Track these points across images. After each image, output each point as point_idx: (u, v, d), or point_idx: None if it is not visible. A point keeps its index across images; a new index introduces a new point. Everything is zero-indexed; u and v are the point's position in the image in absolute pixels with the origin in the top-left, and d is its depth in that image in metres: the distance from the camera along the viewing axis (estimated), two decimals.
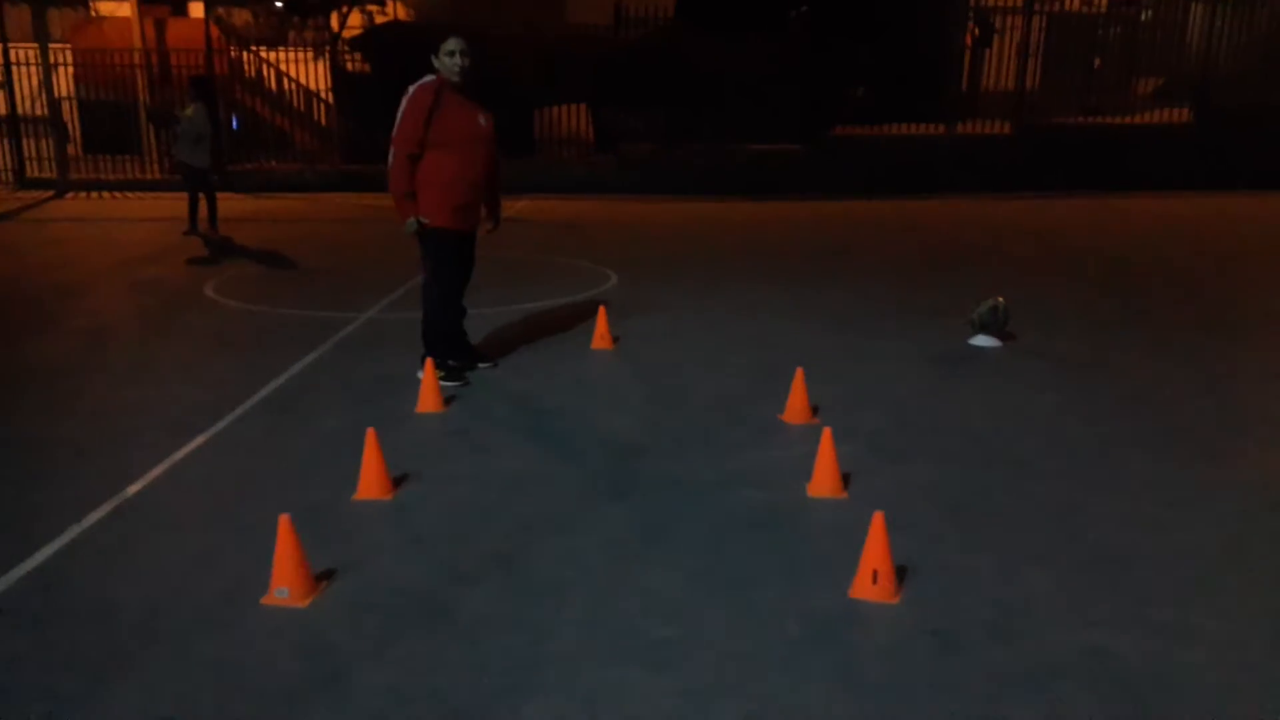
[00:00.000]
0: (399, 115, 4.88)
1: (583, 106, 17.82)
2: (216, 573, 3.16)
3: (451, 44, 4.92)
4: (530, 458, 4.22)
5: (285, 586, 2.95)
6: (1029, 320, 6.66)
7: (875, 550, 2.98)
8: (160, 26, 20.62)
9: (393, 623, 2.85)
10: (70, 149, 18.29)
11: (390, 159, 4.92)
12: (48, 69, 16.91)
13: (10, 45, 17.17)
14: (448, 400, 4.96)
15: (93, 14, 22.76)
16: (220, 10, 20.72)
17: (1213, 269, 9.36)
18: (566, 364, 5.75)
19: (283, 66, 19.16)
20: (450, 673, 2.60)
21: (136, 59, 18.97)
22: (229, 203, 12.90)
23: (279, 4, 20.44)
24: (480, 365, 5.49)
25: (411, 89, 4.91)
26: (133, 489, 3.83)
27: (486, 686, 2.54)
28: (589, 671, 2.61)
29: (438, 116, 4.84)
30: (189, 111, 11.21)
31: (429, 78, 4.90)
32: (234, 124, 18.86)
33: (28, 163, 17.77)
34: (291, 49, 19.09)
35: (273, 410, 4.87)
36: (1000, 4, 17.27)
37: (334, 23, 20.08)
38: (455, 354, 5.33)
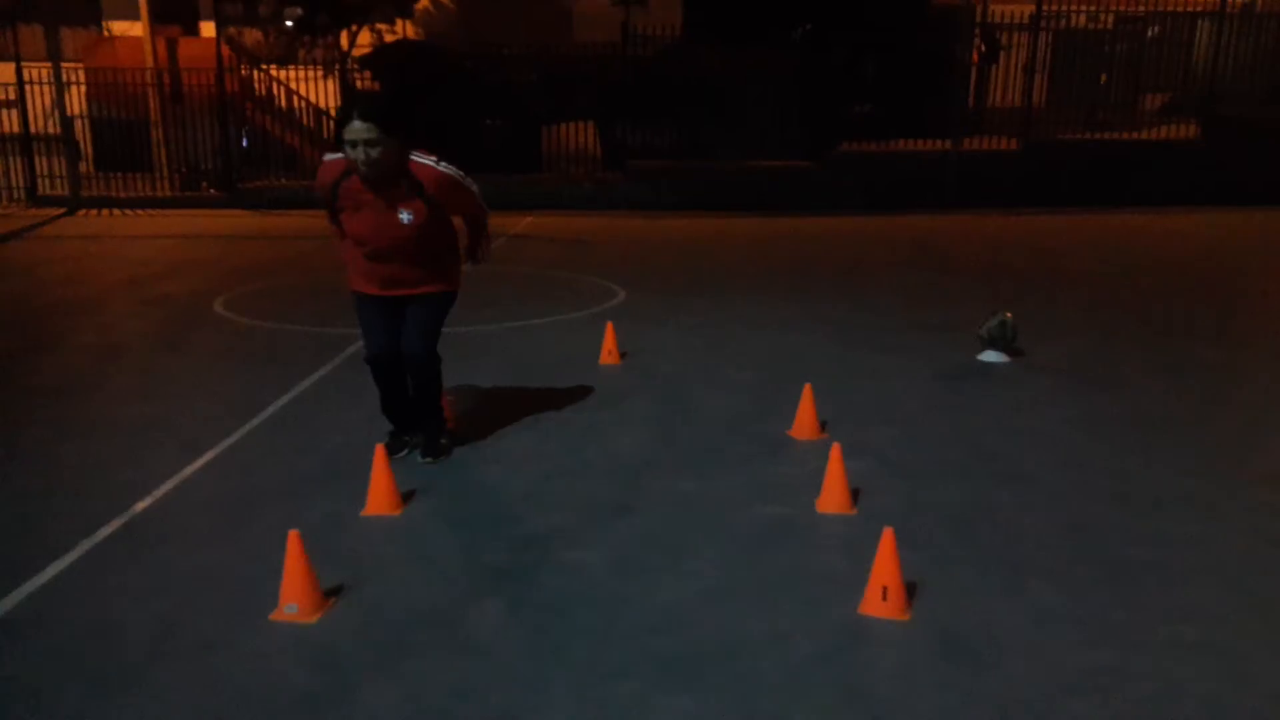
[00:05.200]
0: None
1: (590, 124, 17.89)
2: (225, 589, 3.17)
3: (351, 129, 3.73)
4: (538, 473, 4.22)
5: (294, 602, 2.95)
6: (1037, 335, 6.65)
7: (885, 566, 2.97)
8: (172, 46, 20.79)
9: (401, 639, 2.85)
10: (82, 167, 18.43)
11: None
12: (60, 87, 17.08)
13: (24, 64, 17.34)
14: (457, 416, 4.96)
15: (105, 33, 22.97)
16: (232, 29, 20.92)
17: (1221, 284, 9.33)
18: (575, 379, 5.75)
19: (293, 85, 19.31)
20: (459, 688, 2.60)
21: (148, 78, 19.15)
22: (239, 219, 12.97)
23: (289, 23, 20.60)
24: (402, 447, 4.41)
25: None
26: (141, 505, 3.84)
27: (494, 703, 2.54)
28: (597, 687, 2.60)
29: (342, 202, 3.98)
30: None
31: (334, 156, 3.94)
32: (244, 142, 18.99)
33: (40, 180, 17.90)
34: (301, 67, 19.23)
35: (281, 426, 4.88)
36: (1007, 20, 17.32)
37: (344, 41, 20.23)
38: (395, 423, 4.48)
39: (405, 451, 4.34)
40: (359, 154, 3.74)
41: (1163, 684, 2.62)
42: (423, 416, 4.38)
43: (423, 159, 3.94)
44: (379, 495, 3.77)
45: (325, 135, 19.68)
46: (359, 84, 18.52)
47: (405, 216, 3.95)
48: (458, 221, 4.30)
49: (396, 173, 3.86)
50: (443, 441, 4.40)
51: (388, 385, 4.31)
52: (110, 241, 13.03)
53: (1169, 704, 2.53)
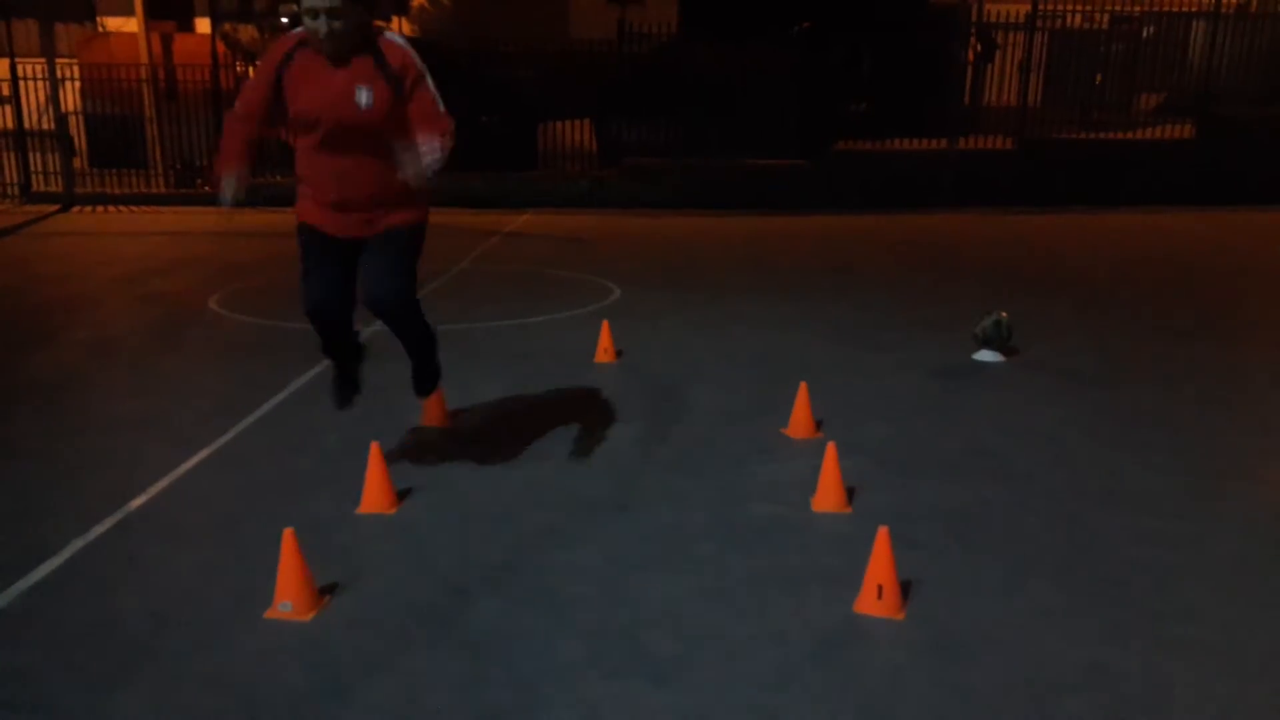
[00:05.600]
0: None
1: (587, 121, 17.88)
2: (220, 586, 3.16)
3: None
4: (533, 471, 4.22)
5: (289, 600, 2.95)
6: (1032, 335, 6.66)
7: (880, 565, 2.97)
8: (167, 41, 20.73)
9: (396, 637, 2.85)
10: (76, 163, 18.37)
11: None
12: (55, 83, 17.01)
13: (18, 60, 17.28)
14: (453, 414, 4.96)
15: (100, 29, 22.91)
16: (226, 26, 20.85)
17: (1217, 283, 9.35)
18: (570, 377, 5.75)
19: None
20: (453, 687, 2.60)
21: (143, 74, 19.09)
22: (234, 216, 12.93)
23: (285, 19, 20.55)
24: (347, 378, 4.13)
25: None
26: (136, 502, 3.83)
27: (489, 701, 2.54)
28: (592, 686, 2.61)
29: (287, 85, 3.53)
30: None
31: (292, 33, 3.61)
32: None
33: (34, 176, 17.84)
34: None
35: (277, 424, 4.88)
36: (1002, 20, 17.33)
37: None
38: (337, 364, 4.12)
39: (353, 401, 4.05)
40: (319, 24, 3.37)
41: (1157, 682, 2.63)
42: (420, 379, 4.14)
43: (393, 36, 3.59)
44: (374, 493, 3.76)
45: None
46: None
47: (363, 97, 3.46)
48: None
49: (359, 46, 3.49)
50: (433, 366, 4.12)
51: (332, 333, 3.89)
52: (105, 238, 12.99)
53: (1164, 702, 2.54)
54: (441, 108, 3.63)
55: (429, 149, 3.53)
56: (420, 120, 3.59)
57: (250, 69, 19.62)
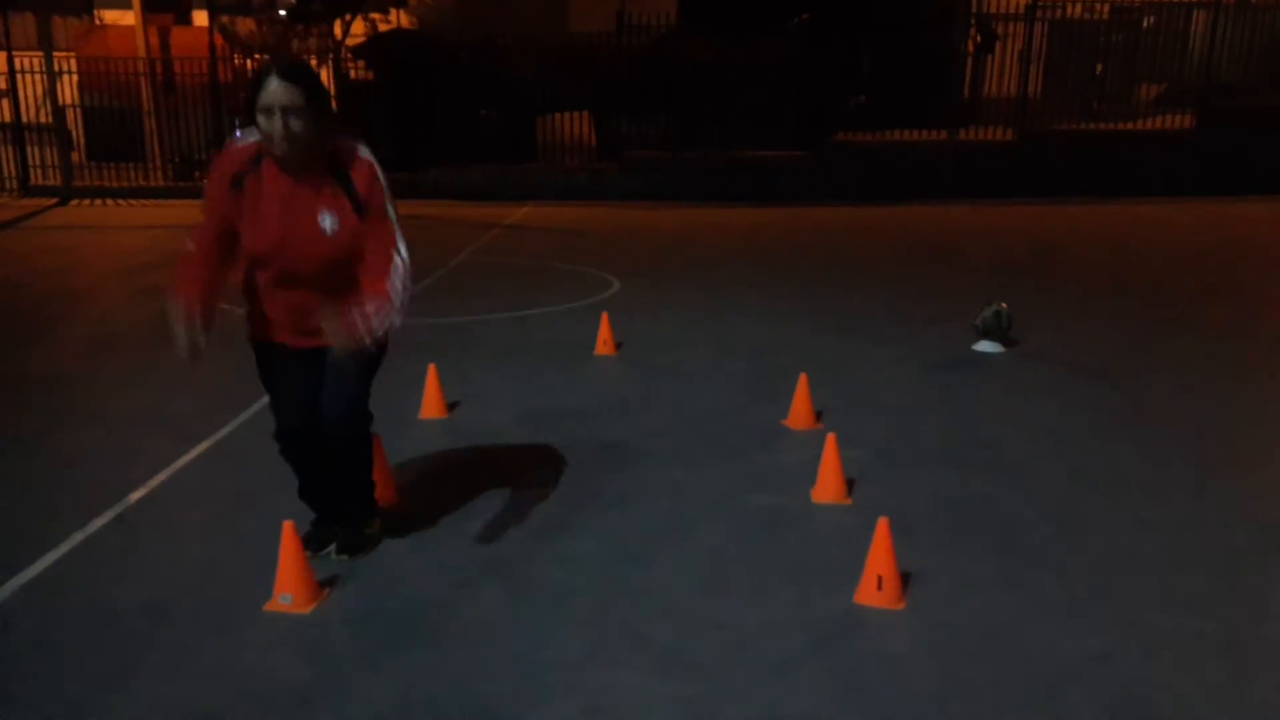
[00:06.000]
0: None
1: (585, 113, 17.85)
2: (219, 579, 3.16)
3: (269, 92, 2.83)
4: (533, 463, 4.22)
5: (288, 593, 2.94)
6: (1032, 326, 6.65)
7: (880, 556, 2.97)
8: (164, 35, 20.67)
9: (395, 629, 2.85)
10: (74, 156, 18.34)
11: None
12: (52, 77, 16.97)
13: (15, 53, 17.23)
14: (452, 406, 4.95)
15: (97, 22, 22.85)
16: (224, 18, 20.79)
17: (1216, 274, 9.34)
18: (569, 370, 5.75)
19: None
20: (452, 679, 2.60)
21: (140, 67, 19.04)
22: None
23: (282, 12, 20.49)
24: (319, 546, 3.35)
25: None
26: (135, 496, 3.83)
27: (489, 692, 2.54)
28: (592, 677, 2.60)
29: (244, 204, 2.96)
30: None
31: (248, 137, 2.99)
32: (236, 132, 18.90)
33: (32, 170, 17.82)
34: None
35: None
36: (1002, 10, 17.29)
37: (337, 31, 20.14)
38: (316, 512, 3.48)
39: (330, 547, 3.33)
40: (275, 125, 2.81)
41: (1158, 671, 2.63)
42: (346, 497, 3.39)
43: (358, 148, 3.03)
44: (376, 486, 3.75)
45: None
46: (353, 74, 18.45)
47: (328, 223, 2.94)
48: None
49: (317, 156, 2.93)
50: (367, 531, 3.40)
51: (309, 464, 3.32)
52: (103, 231, 12.97)
53: (1164, 691, 2.54)
54: (400, 249, 3.03)
55: (374, 309, 2.90)
56: (370, 263, 3.00)
57: (248, 61, 19.57)
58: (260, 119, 2.85)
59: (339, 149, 2.98)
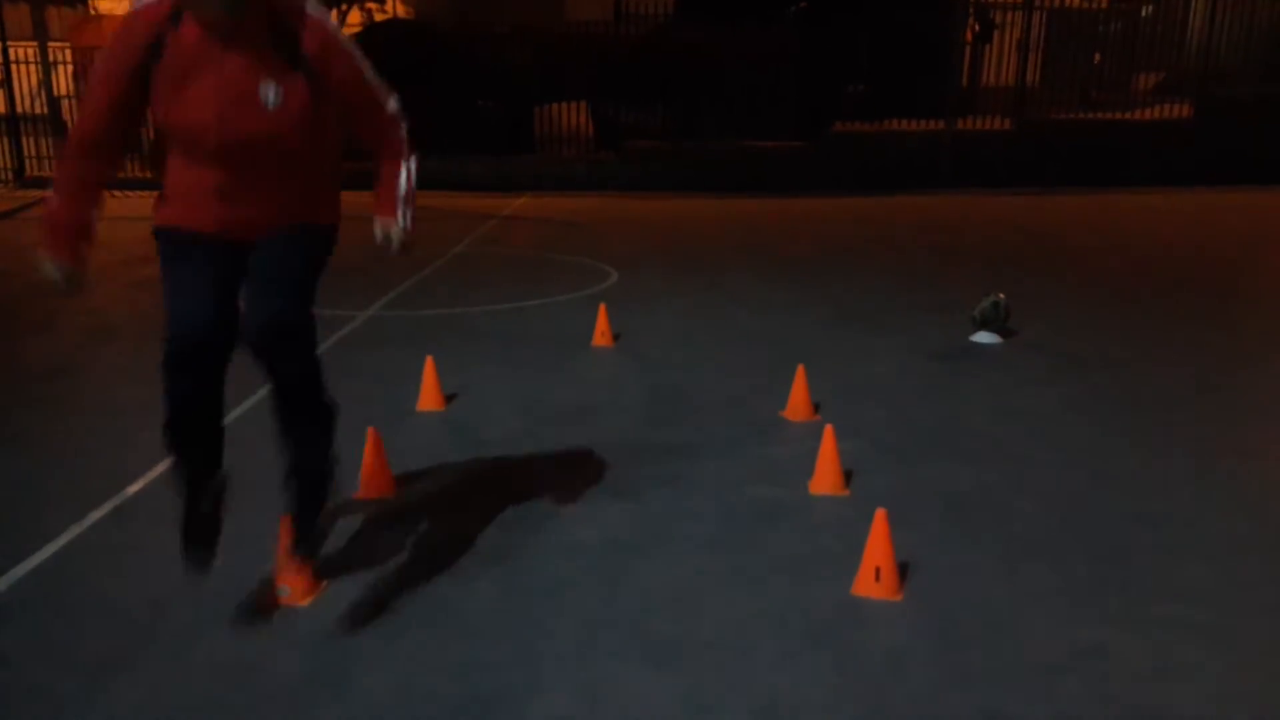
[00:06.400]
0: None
1: (583, 104, 17.80)
2: (217, 571, 3.15)
3: None
4: (531, 455, 4.22)
5: (287, 585, 2.94)
6: (1030, 316, 6.65)
7: (878, 547, 2.98)
8: None
9: (394, 621, 2.85)
10: None
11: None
12: (47, 67, 16.90)
13: (9, 43, 17.15)
14: (450, 398, 4.95)
15: (92, 12, 22.75)
16: None
17: (1215, 264, 9.34)
18: (567, 361, 5.74)
19: None
20: (451, 671, 2.60)
21: None
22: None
23: None
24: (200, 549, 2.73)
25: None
26: (133, 488, 3.83)
27: (487, 685, 2.54)
28: (590, 669, 2.61)
29: (158, 82, 2.43)
30: None
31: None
32: None
33: (27, 161, 17.75)
34: None
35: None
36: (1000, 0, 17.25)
37: (333, 20, 20.05)
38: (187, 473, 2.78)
39: (217, 549, 2.73)
40: None
41: (1155, 663, 2.63)
42: (303, 446, 2.77)
43: (306, 4, 2.52)
44: (372, 478, 3.76)
45: None
46: None
47: (270, 95, 2.44)
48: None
49: (255, 11, 2.40)
50: (319, 524, 2.82)
51: (196, 393, 2.67)
52: (99, 222, 12.93)
53: (1161, 683, 2.54)
54: (390, 102, 2.71)
55: (406, 190, 2.61)
56: (370, 133, 2.66)
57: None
58: None
59: (277, 3, 2.44)
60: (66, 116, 18.09)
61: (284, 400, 2.71)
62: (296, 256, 2.63)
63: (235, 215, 2.57)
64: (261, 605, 2.92)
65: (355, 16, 20.49)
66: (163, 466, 4.05)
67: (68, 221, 2.58)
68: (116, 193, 16.81)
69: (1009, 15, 17.26)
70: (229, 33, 2.36)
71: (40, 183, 17.30)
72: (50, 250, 2.56)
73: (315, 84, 2.49)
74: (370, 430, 3.79)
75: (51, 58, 17.11)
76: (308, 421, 2.75)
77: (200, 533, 2.62)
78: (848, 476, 3.87)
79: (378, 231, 2.65)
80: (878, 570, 2.97)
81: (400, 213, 2.66)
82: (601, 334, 6.13)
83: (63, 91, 18.11)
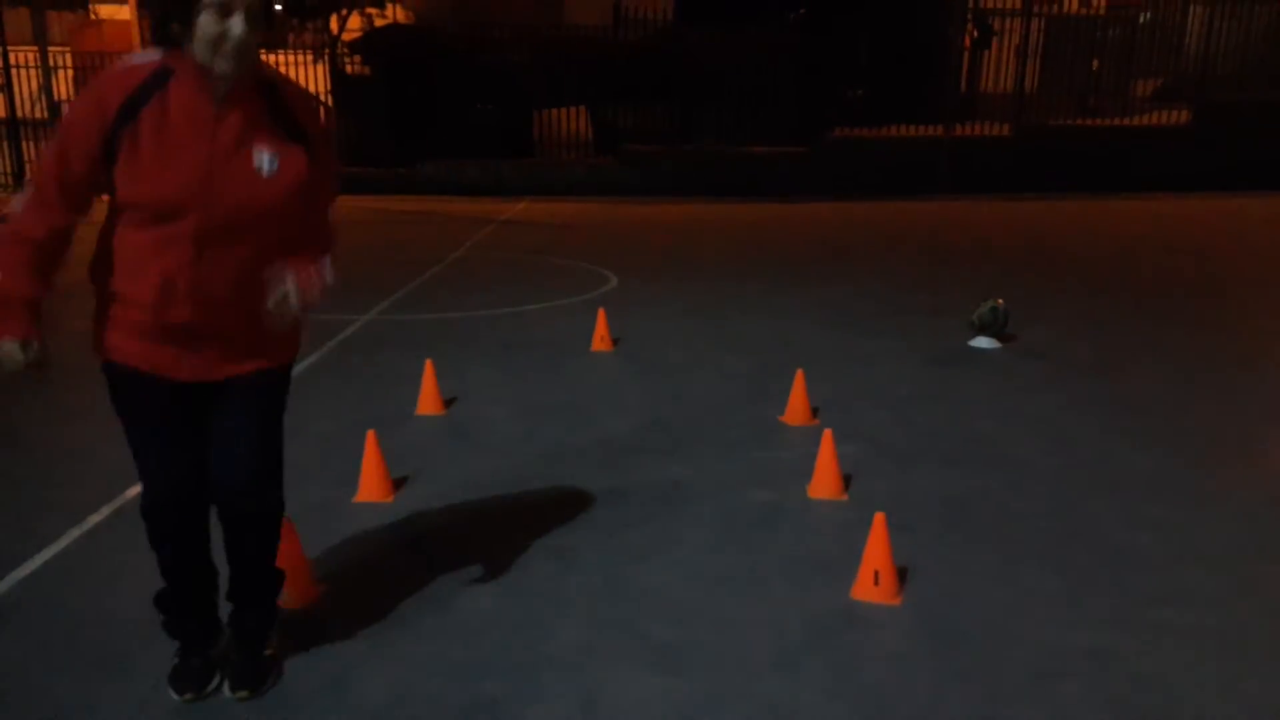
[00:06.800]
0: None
1: (582, 108, 17.83)
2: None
3: None
4: (530, 459, 4.22)
5: (285, 589, 2.94)
6: (1029, 321, 6.66)
7: (876, 551, 2.98)
8: None
9: (394, 625, 2.85)
10: None
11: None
12: (47, 72, 16.94)
13: (10, 48, 17.18)
14: (449, 402, 4.95)
15: (92, 17, 22.78)
16: None
17: (1213, 269, 9.35)
18: (566, 366, 5.75)
19: (282, 69, 19.15)
20: (450, 675, 2.60)
21: None
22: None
23: (278, 7, 20.45)
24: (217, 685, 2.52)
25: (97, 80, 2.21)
26: (133, 491, 3.82)
27: (485, 689, 2.54)
28: (589, 674, 2.61)
29: (127, 150, 2.16)
30: None
31: (143, 56, 2.23)
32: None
33: (27, 166, 17.76)
34: (291, 52, 19.09)
35: None
36: (999, 6, 17.29)
37: (333, 25, 20.09)
38: (182, 627, 2.60)
39: (215, 682, 2.51)
40: (234, 29, 2.10)
41: (1154, 666, 2.63)
42: (247, 603, 2.60)
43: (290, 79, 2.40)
44: (371, 482, 3.76)
45: None
46: (349, 69, 18.40)
47: (265, 162, 2.23)
48: None
49: (250, 75, 2.22)
50: (268, 653, 2.59)
51: (184, 555, 2.52)
52: (97, 226, 12.93)
53: (1160, 686, 2.54)
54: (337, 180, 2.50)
55: (315, 271, 2.34)
56: (314, 215, 2.39)
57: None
58: (206, 20, 2.09)
59: (266, 71, 2.29)
60: None
61: (234, 554, 2.56)
62: (263, 409, 2.46)
63: (206, 319, 2.28)
64: None
65: (355, 21, 20.51)
66: None
67: (15, 300, 2.29)
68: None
69: (1007, 21, 17.31)
70: (226, 94, 2.18)
71: None
72: (3, 328, 2.26)
73: (311, 157, 2.31)
74: (369, 434, 3.79)
75: (52, 62, 17.14)
76: (265, 559, 2.60)
77: (192, 684, 2.49)
78: (847, 481, 3.87)
79: (283, 274, 2.30)
80: (877, 574, 2.97)
81: (316, 269, 2.36)
82: (601, 338, 6.13)
83: (62, 96, 18.13)
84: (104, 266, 2.37)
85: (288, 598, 2.92)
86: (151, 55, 2.19)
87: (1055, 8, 17.74)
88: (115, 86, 2.15)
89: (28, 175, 2.12)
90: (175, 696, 2.47)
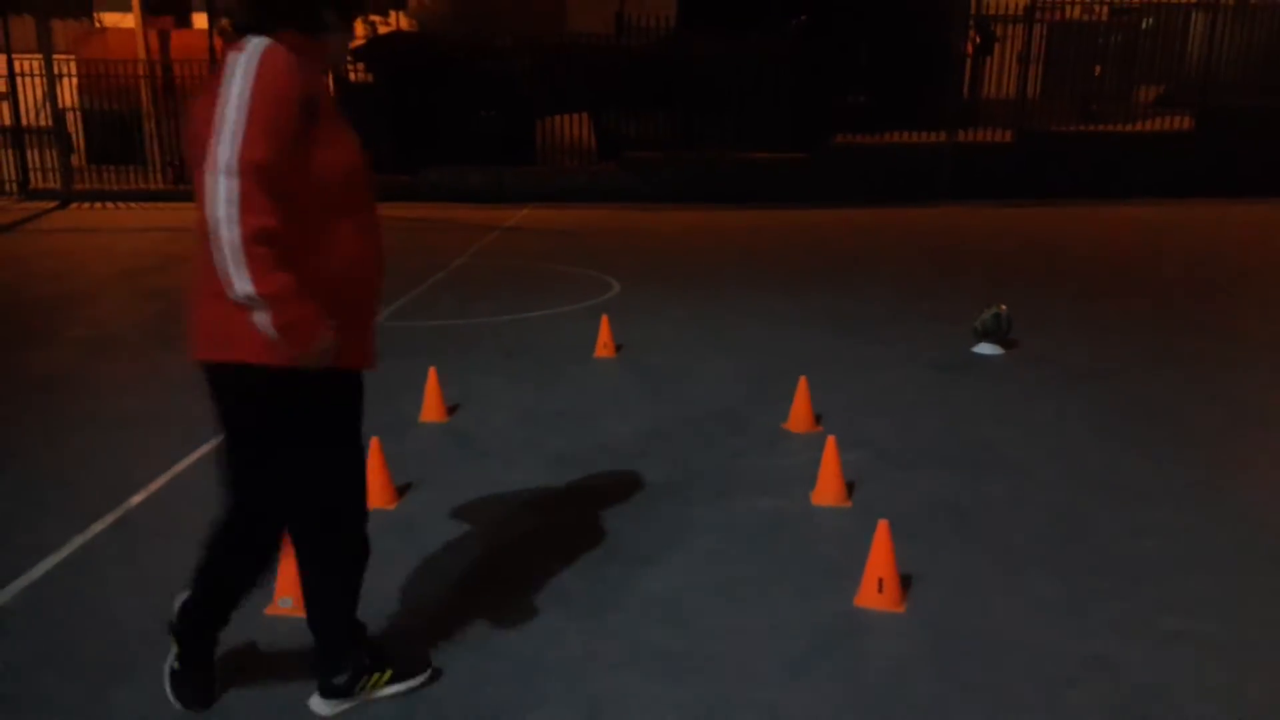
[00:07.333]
0: (228, 118, 2.06)
1: (585, 115, 17.86)
2: None
3: None
4: (533, 466, 4.22)
5: (289, 596, 2.94)
6: (1031, 328, 6.66)
7: (880, 559, 2.97)
8: (164, 37, 20.67)
9: (396, 633, 2.84)
10: (74, 159, 18.34)
11: (227, 227, 2.00)
12: (52, 80, 16.98)
13: (14, 56, 17.24)
14: (452, 409, 4.95)
15: (97, 25, 22.85)
16: (224, 21, 20.77)
17: (1215, 275, 9.35)
18: (569, 372, 5.75)
19: None
20: (454, 682, 2.60)
21: (140, 70, 19.04)
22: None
23: None
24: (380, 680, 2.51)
25: (245, 59, 2.14)
26: (136, 499, 3.83)
27: (490, 696, 2.54)
28: (593, 681, 2.60)
29: (319, 130, 2.14)
30: None
31: (265, 41, 2.16)
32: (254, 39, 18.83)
33: (32, 173, 17.82)
34: None
35: None
36: (1001, 12, 17.31)
37: None
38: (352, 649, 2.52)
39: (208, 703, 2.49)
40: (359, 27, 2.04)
41: (1159, 674, 2.63)
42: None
43: None
44: (374, 489, 3.75)
45: None
46: (353, 76, 18.46)
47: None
48: None
49: None
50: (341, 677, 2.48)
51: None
52: (102, 234, 12.97)
53: (1165, 694, 2.54)
54: None
55: None
56: None
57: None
58: (346, 19, 2.27)
59: None
60: (70, 129, 18.16)
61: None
62: None
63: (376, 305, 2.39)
64: (264, 616, 2.92)
65: (359, 29, 20.54)
66: (165, 478, 4.05)
67: (300, 292, 2.10)
68: (121, 205, 16.86)
69: (1010, 28, 17.32)
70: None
71: (44, 195, 17.36)
72: (309, 333, 2.13)
73: None
74: (373, 441, 3.79)
75: (56, 70, 17.18)
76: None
77: (195, 697, 2.51)
78: (850, 488, 3.87)
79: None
80: (880, 581, 2.97)
81: None
82: (604, 345, 6.14)
83: (67, 104, 18.19)
84: (325, 269, 2.18)
85: (293, 605, 2.92)
86: (266, 41, 2.15)
87: (1058, 14, 17.74)
88: (291, 81, 2.11)
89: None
90: (178, 705, 2.48)
